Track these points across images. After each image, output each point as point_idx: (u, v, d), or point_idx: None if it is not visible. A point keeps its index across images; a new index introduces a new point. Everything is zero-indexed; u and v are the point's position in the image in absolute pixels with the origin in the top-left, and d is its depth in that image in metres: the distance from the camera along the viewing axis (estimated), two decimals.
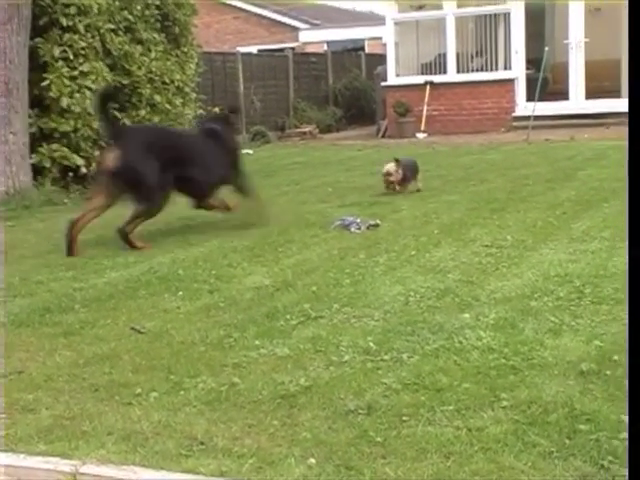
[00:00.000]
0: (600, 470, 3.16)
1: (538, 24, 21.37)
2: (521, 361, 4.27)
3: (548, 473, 3.17)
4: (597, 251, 6.49)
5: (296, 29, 29.44)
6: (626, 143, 2.89)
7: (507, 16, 19.96)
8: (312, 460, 3.39)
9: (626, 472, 2.70)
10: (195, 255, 7.21)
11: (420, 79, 20.37)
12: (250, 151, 17.34)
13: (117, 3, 12.15)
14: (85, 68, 11.42)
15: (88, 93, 11.34)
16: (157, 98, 12.57)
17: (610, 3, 18.85)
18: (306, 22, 29.88)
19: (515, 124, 19.49)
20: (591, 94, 19.74)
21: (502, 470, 3.21)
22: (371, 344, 4.64)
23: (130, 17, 12.34)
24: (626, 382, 3.14)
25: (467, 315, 5.06)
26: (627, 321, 3.49)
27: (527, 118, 18.28)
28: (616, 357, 4.24)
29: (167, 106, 12.78)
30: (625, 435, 3.39)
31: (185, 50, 13.51)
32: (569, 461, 3.24)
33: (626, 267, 4.21)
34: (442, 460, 3.33)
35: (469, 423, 3.61)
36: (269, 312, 5.37)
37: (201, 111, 14.08)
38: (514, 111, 20.10)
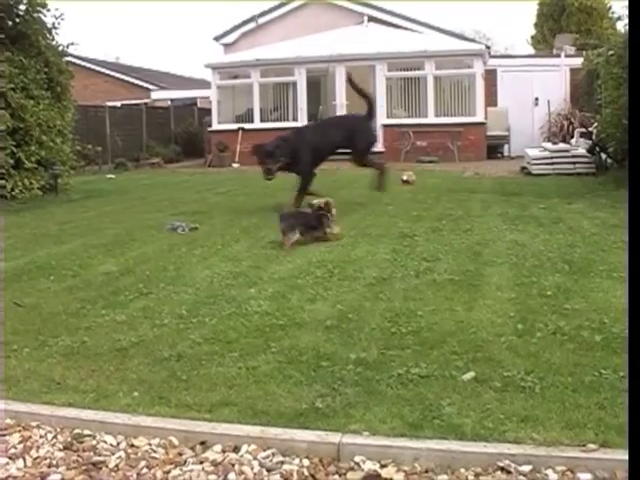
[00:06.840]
0: (332, 391, 3.27)
1: (315, 89, 21.71)
2: (287, 321, 4.33)
3: (298, 395, 3.26)
4: (345, 245, 6.62)
5: (149, 90, 28.70)
6: None
7: (295, 84, 20.17)
8: (136, 393, 3.35)
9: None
10: (64, 250, 6.86)
11: (235, 126, 20.27)
12: (113, 176, 16.78)
13: (16, 70, 11.55)
14: None
15: None
16: (43, 138, 12.02)
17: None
18: (156, 85, 29.16)
19: None
20: None
21: (267, 395, 3.28)
22: (184, 311, 4.60)
23: (25, 80, 11.79)
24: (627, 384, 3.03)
25: (253, 290, 5.07)
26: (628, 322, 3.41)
27: None
28: (350, 315, 4.38)
29: (51, 144, 12.19)
30: (351, 367, 3.52)
31: (65, 103, 12.91)
32: (313, 386, 3.34)
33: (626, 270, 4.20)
34: (227, 390, 3.35)
35: (248, 364, 3.65)
36: (114, 290, 5.22)
37: (77, 147, 13.54)
38: None
